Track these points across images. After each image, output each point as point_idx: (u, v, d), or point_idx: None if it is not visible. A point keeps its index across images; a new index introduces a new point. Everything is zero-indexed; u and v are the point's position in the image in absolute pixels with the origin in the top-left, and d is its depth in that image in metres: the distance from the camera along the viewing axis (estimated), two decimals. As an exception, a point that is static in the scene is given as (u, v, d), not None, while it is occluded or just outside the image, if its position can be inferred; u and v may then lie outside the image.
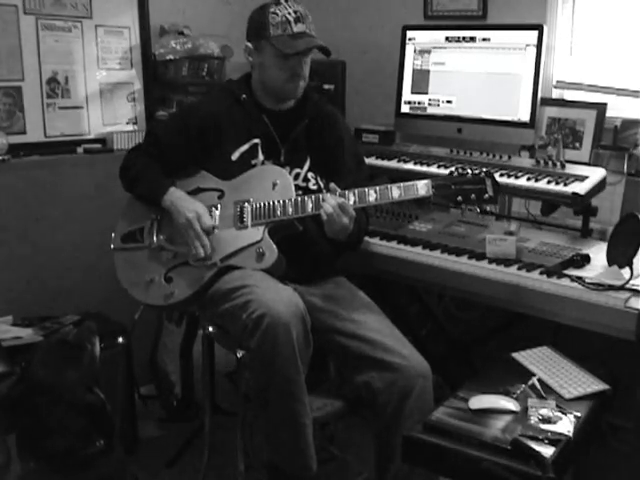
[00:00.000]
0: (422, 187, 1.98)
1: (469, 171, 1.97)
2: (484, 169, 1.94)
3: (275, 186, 2.06)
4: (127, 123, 2.92)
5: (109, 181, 2.69)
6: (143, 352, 2.81)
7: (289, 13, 2.06)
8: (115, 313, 2.58)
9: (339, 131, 2.26)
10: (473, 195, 1.93)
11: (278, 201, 2.02)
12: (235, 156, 2.13)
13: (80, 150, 2.78)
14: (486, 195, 1.93)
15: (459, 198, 1.94)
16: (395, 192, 1.99)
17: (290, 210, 2.01)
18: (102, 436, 2.20)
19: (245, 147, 2.13)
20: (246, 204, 2.07)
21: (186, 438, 2.65)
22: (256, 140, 2.14)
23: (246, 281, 1.94)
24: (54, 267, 2.70)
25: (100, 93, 2.83)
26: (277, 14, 2.06)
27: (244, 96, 2.17)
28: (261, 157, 2.13)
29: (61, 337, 2.29)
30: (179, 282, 2.08)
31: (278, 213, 2.02)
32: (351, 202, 1.98)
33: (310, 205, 2.00)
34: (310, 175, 2.17)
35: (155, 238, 2.15)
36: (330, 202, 1.95)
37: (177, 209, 2.07)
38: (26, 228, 2.62)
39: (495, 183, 1.95)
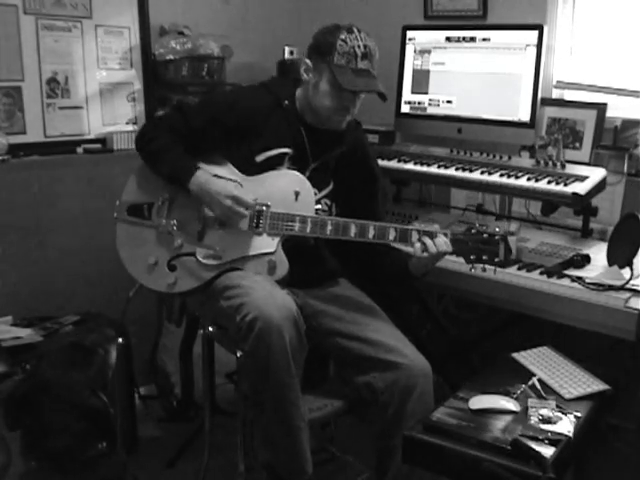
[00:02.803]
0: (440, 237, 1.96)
1: (486, 228, 1.96)
2: (498, 230, 1.95)
3: (297, 196, 2.01)
4: (127, 123, 2.91)
5: (109, 181, 2.71)
6: (143, 352, 2.81)
7: (358, 46, 1.97)
8: (115, 313, 2.58)
9: (372, 165, 2.23)
10: (485, 256, 1.93)
11: (298, 216, 1.99)
12: (260, 158, 2.07)
13: (80, 150, 2.78)
14: (497, 259, 1.94)
15: (472, 257, 1.94)
16: (414, 237, 1.95)
17: (309, 228, 1.98)
18: (104, 439, 2.20)
19: (273, 152, 2.07)
20: (264, 208, 2.03)
21: (186, 438, 2.65)
22: (286, 149, 2.07)
23: (242, 281, 1.94)
24: (54, 267, 2.70)
25: (100, 93, 2.83)
26: (346, 43, 1.97)
27: (286, 102, 2.10)
28: (286, 167, 2.08)
29: (75, 339, 2.29)
30: (182, 273, 2.06)
31: (296, 229, 1.99)
32: (370, 236, 1.96)
33: (329, 228, 1.97)
34: (324, 201, 2.12)
35: (164, 220, 2.10)
36: (442, 247, 1.92)
37: (210, 195, 2.00)
38: (26, 228, 2.62)
39: (507, 247, 1.95)
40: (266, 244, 2.01)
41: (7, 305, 2.49)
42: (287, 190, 2.03)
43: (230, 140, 2.09)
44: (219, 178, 2.05)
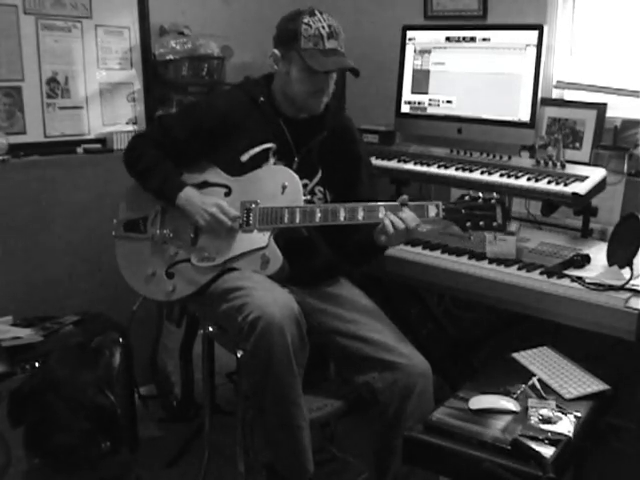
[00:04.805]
0: (432, 209, 1.94)
1: (480, 195, 1.93)
2: (495, 194, 1.92)
3: (284, 189, 2.02)
4: (127, 123, 2.91)
5: (109, 181, 2.71)
6: (143, 352, 2.81)
7: (323, 27, 1.98)
8: (115, 313, 2.58)
9: (356, 148, 2.23)
10: (482, 222, 1.90)
11: (286, 208, 1.99)
12: (245, 158, 2.08)
13: (80, 150, 2.78)
14: (495, 223, 1.90)
15: (468, 224, 1.91)
16: (406, 212, 1.94)
17: (298, 218, 1.99)
18: (108, 438, 2.21)
19: (256, 150, 2.08)
20: (253, 206, 2.04)
21: (186, 438, 2.66)
22: (269, 145, 2.09)
23: (243, 282, 1.94)
24: (54, 267, 2.70)
25: (100, 93, 2.82)
26: (310, 26, 1.98)
27: (262, 99, 2.11)
28: (272, 162, 2.09)
29: (83, 340, 2.30)
30: (180, 279, 2.08)
31: (285, 220, 1.99)
32: (360, 217, 1.96)
33: (319, 215, 1.98)
34: (317, 189, 2.13)
35: (158, 231, 2.14)
36: (410, 223, 1.90)
37: (195, 208, 2.04)
38: (26, 228, 2.62)
39: (505, 211, 1.91)
40: (258, 240, 2.01)
41: (7, 305, 2.49)
42: (274, 185, 2.04)
43: (213, 145, 2.11)
44: (208, 186, 2.09)
